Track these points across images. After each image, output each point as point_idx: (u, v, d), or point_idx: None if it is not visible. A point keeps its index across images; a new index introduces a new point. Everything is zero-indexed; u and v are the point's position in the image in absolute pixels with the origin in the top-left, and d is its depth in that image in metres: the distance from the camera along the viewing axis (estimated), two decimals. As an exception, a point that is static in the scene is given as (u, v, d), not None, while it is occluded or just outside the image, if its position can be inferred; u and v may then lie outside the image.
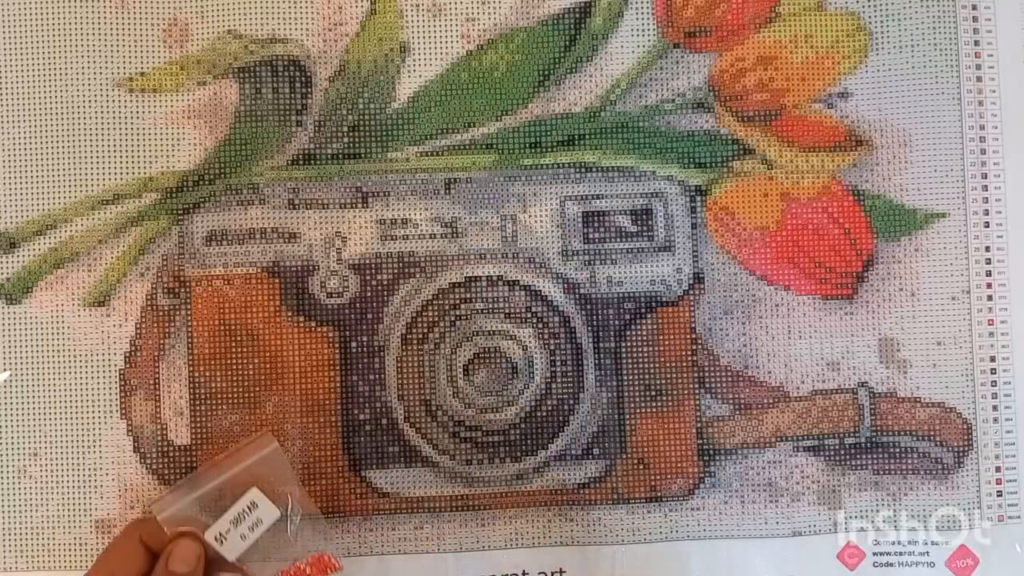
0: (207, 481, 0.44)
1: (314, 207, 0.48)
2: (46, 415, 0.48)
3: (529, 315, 0.48)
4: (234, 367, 0.48)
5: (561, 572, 0.48)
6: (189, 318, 0.48)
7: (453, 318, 0.48)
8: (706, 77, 0.49)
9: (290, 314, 0.48)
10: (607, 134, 0.49)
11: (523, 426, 0.48)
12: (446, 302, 0.48)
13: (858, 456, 0.49)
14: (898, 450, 0.49)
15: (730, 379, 0.49)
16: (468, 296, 0.48)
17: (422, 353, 0.48)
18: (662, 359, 0.49)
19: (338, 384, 0.48)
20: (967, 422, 0.49)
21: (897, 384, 0.49)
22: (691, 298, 0.49)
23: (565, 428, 0.48)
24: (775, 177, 0.49)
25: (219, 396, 0.48)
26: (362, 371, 0.48)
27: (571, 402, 0.48)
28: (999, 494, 0.49)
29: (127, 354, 0.48)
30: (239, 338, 0.48)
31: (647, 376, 0.48)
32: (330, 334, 0.48)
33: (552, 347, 0.48)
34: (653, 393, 0.48)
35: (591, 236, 0.49)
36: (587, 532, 0.48)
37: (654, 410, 0.48)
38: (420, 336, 0.48)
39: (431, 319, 0.48)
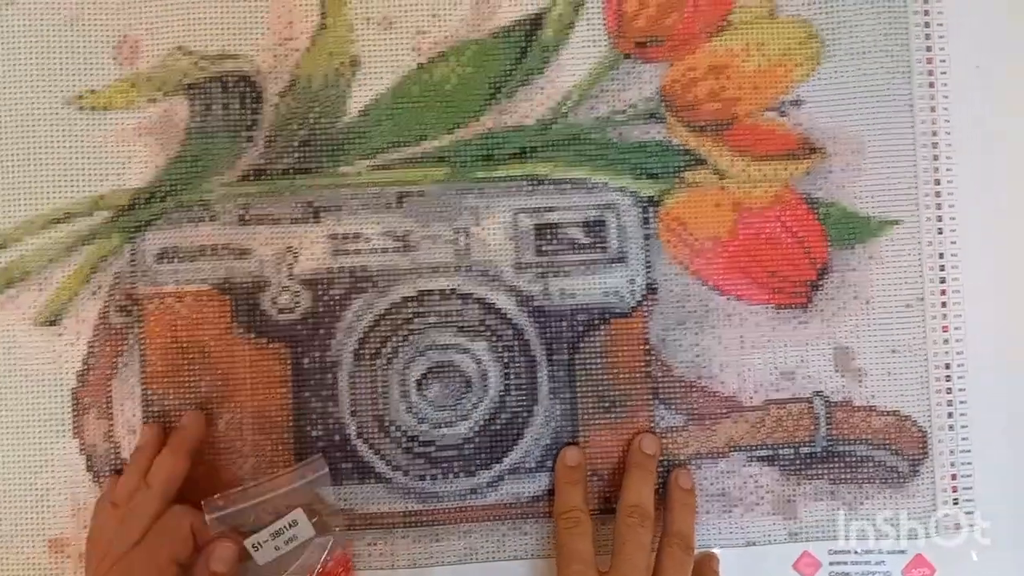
0: (259, 494, 0.45)
1: (265, 223, 0.48)
2: (-2, 435, 0.47)
3: (483, 328, 0.48)
4: (187, 385, 0.48)
5: (517, 586, 0.48)
6: (141, 336, 0.48)
7: (406, 332, 0.48)
8: (658, 87, 0.49)
9: (242, 331, 0.48)
10: (559, 146, 0.49)
11: (477, 440, 0.48)
12: (399, 316, 0.48)
13: (813, 466, 0.49)
14: (854, 459, 0.49)
15: (684, 390, 0.48)
16: (421, 310, 0.48)
17: (375, 368, 0.48)
18: (616, 370, 0.48)
19: (290, 401, 0.48)
20: (922, 430, 0.49)
21: (852, 393, 0.49)
22: (644, 309, 0.49)
23: (519, 441, 0.48)
24: (727, 187, 0.49)
25: (172, 414, 0.47)
26: (314, 387, 0.48)
27: (525, 415, 0.48)
28: (955, 502, 0.48)
29: (79, 373, 0.48)
30: (191, 356, 0.48)
31: (601, 388, 0.48)
32: (282, 350, 0.48)
33: (506, 360, 0.48)
34: (607, 405, 0.48)
35: (544, 248, 0.48)
36: (541, 546, 0.48)
37: (608, 422, 0.48)
38: (373, 351, 0.48)
39: (384, 334, 0.48)
